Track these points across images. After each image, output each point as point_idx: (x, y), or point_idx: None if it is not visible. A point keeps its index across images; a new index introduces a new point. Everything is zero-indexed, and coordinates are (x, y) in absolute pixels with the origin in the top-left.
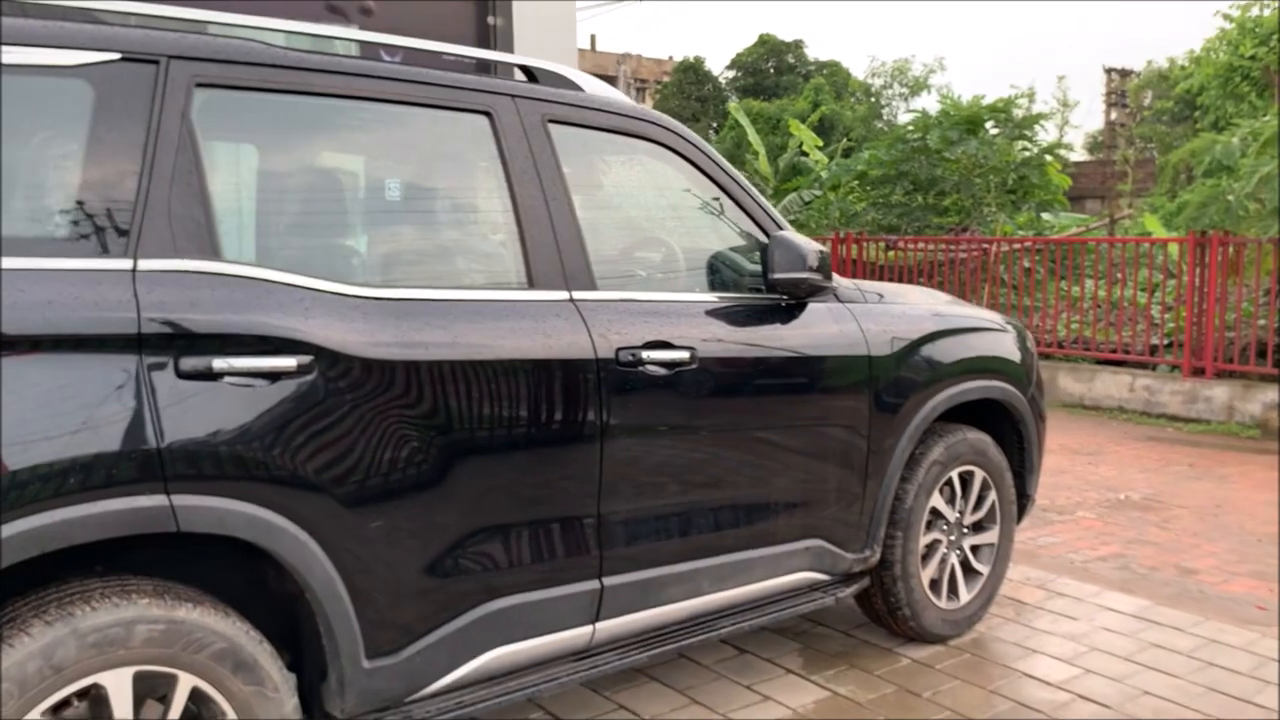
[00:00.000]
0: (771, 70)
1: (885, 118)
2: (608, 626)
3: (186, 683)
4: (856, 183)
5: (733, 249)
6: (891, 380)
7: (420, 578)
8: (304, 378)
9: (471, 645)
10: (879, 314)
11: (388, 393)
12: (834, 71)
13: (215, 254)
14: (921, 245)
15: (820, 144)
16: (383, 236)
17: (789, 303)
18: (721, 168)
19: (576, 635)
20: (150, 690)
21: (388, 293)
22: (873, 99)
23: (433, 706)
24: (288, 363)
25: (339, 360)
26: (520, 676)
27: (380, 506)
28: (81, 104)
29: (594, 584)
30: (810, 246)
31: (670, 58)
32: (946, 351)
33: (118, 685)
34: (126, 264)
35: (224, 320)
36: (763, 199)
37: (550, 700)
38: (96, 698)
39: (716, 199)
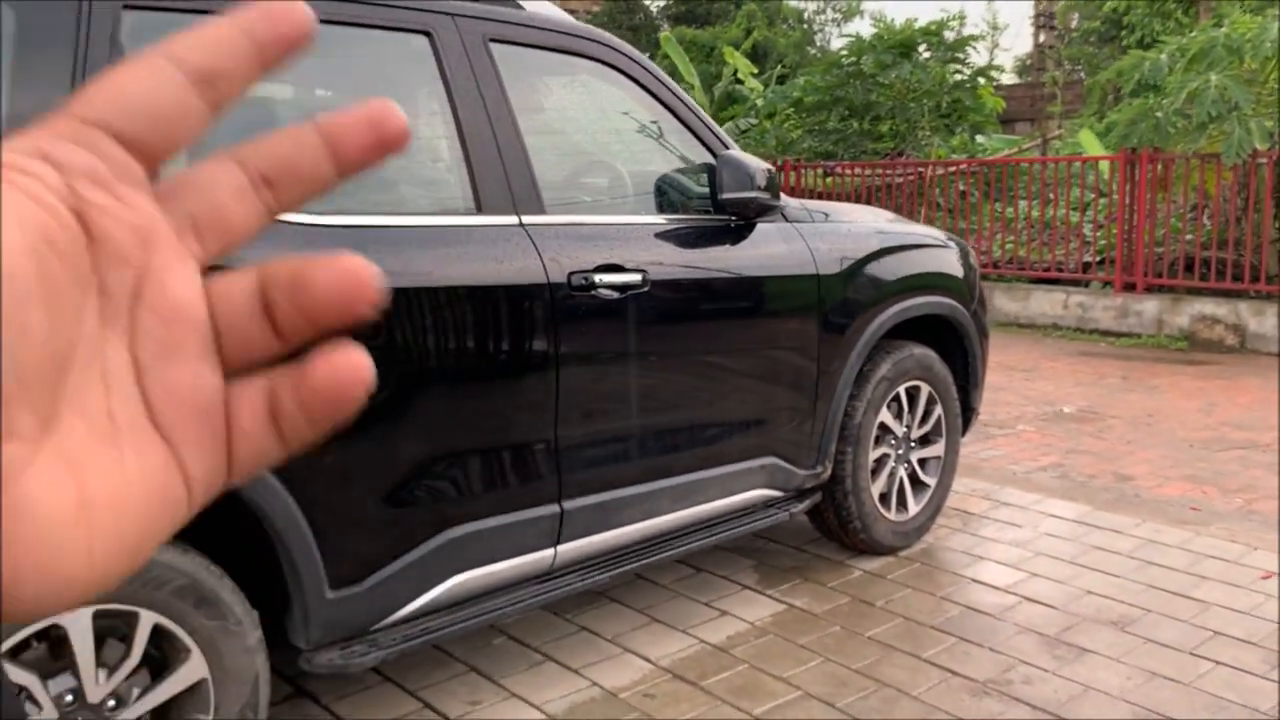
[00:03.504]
0: None
1: (819, 44)
2: (569, 549)
3: (148, 620)
4: (792, 110)
5: (679, 170)
6: (840, 299)
7: (381, 507)
8: None
9: (435, 571)
10: (826, 233)
11: None
12: None
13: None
14: (858, 170)
15: (755, 71)
16: None
17: (738, 223)
18: (667, 87)
19: (538, 559)
20: (111, 630)
21: (334, 220)
22: (805, 25)
23: (398, 634)
24: None
25: None
26: (484, 601)
27: (339, 438)
28: (2, 30)
29: (554, 508)
30: (758, 165)
31: None
32: (892, 269)
33: (77, 625)
34: None
35: None
36: (708, 118)
37: (512, 624)
38: (56, 639)
39: (662, 119)
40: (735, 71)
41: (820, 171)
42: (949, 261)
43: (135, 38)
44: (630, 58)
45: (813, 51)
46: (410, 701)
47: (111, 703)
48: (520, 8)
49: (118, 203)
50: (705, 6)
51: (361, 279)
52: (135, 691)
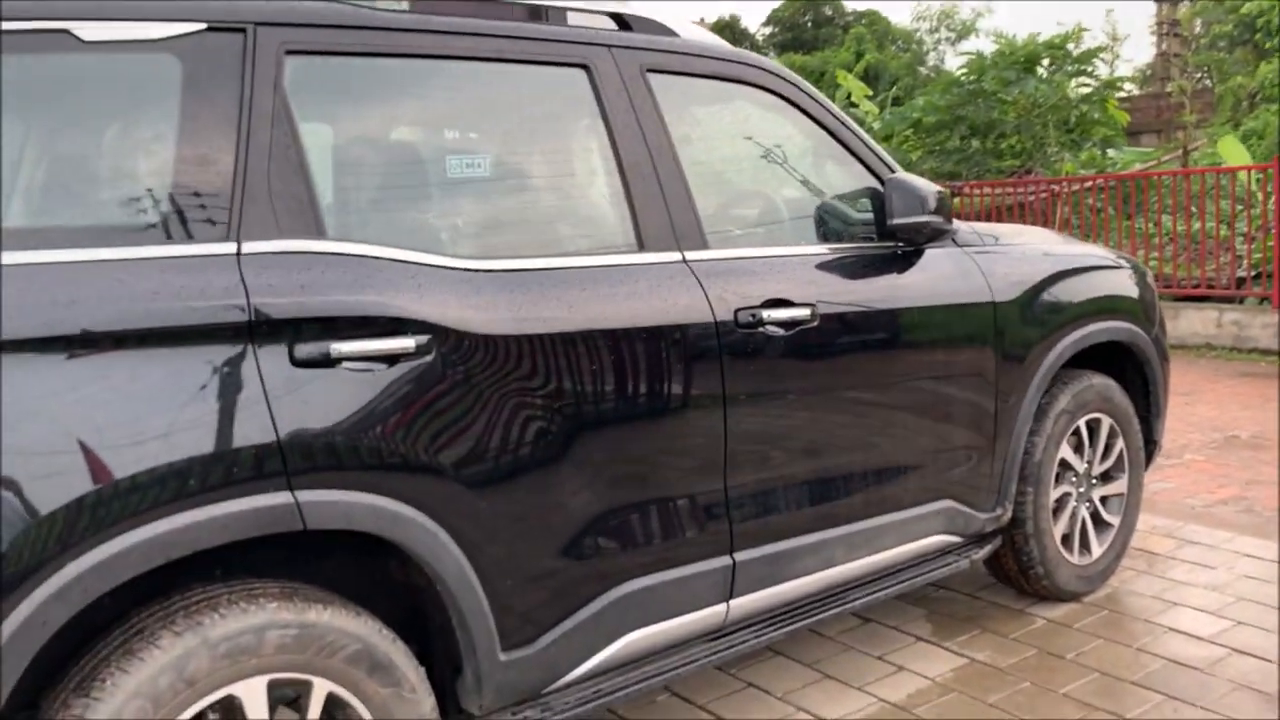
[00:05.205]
0: (809, 24)
1: (931, 63)
2: (741, 603)
3: (321, 688)
4: (910, 131)
5: (842, 196)
6: (1017, 327)
7: (553, 562)
8: (423, 358)
9: (607, 630)
10: (999, 257)
11: (509, 369)
12: (873, 20)
13: (320, 232)
14: (986, 190)
15: (869, 93)
16: (488, 204)
17: (906, 250)
18: (828, 110)
19: (711, 614)
20: (283, 697)
21: (500, 264)
22: (916, 45)
23: (571, 697)
24: (406, 344)
25: (458, 338)
26: (656, 661)
27: (509, 490)
28: (169, 79)
29: (725, 560)
30: (930, 188)
31: (702, 19)
32: (1069, 293)
33: (252, 695)
34: (230, 248)
35: (338, 302)
36: (872, 141)
37: (678, 682)
38: (230, 708)
39: (824, 144)
40: (849, 95)
41: (946, 192)
42: (1125, 283)
43: (297, 82)
44: (789, 81)
45: (925, 72)
46: None
47: None
48: (675, 35)
49: None
50: (811, 33)
51: None
52: None
